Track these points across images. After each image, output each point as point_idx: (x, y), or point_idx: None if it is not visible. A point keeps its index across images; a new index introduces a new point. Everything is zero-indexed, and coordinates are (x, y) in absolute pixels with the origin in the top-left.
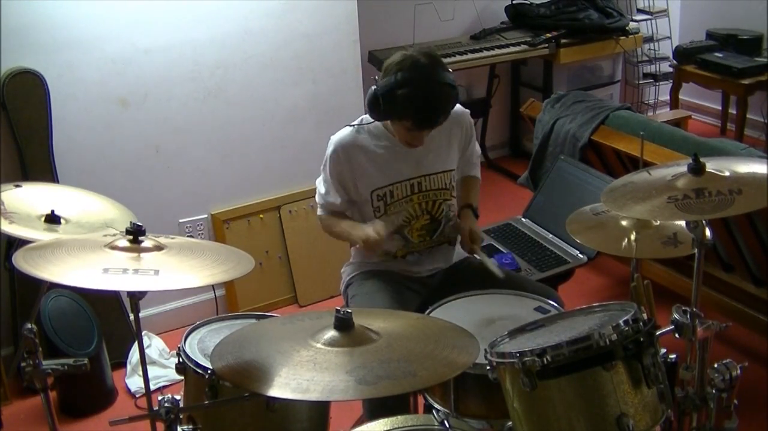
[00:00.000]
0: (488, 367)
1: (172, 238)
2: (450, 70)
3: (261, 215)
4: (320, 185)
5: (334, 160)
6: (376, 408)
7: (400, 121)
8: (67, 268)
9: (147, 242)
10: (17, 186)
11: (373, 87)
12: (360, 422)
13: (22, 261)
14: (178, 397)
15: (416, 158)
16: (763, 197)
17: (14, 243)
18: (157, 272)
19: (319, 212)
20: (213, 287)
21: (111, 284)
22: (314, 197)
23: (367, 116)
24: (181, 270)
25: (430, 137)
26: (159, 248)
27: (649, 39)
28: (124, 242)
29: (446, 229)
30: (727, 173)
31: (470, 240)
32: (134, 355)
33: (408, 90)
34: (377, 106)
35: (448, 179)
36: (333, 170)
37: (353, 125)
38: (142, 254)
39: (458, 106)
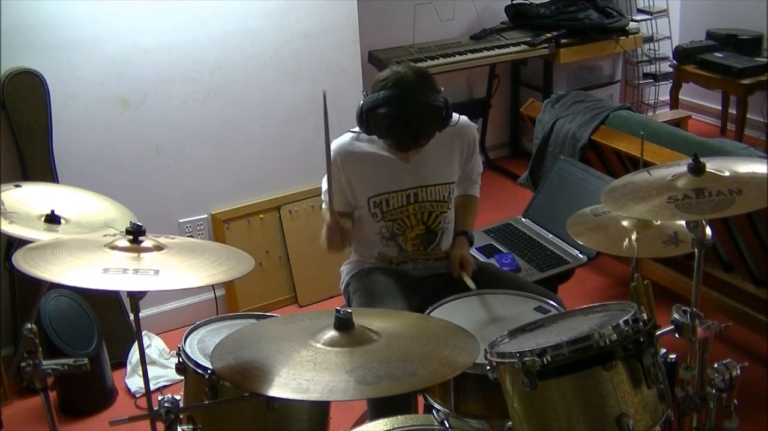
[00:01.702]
0: (488, 367)
1: (172, 238)
2: (441, 89)
3: (261, 215)
4: (324, 182)
5: (332, 165)
6: (379, 408)
7: (382, 139)
8: (67, 268)
9: (147, 242)
10: (17, 186)
11: (360, 102)
12: (360, 422)
13: (22, 261)
14: (178, 397)
15: (415, 168)
16: (763, 197)
17: (14, 243)
18: (157, 272)
19: (323, 205)
20: (213, 287)
21: (111, 284)
22: (314, 196)
23: None
24: (181, 270)
25: (429, 148)
26: (159, 248)
27: (649, 39)
28: (124, 242)
29: (443, 243)
30: (727, 173)
31: (459, 266)
32: (134, 355)
33: (388, 110)
34: (362, 122)
35: (446, 192)
36: (330, 174)
37: (353, 132)
38: (142, 254)
39: (464, 118)
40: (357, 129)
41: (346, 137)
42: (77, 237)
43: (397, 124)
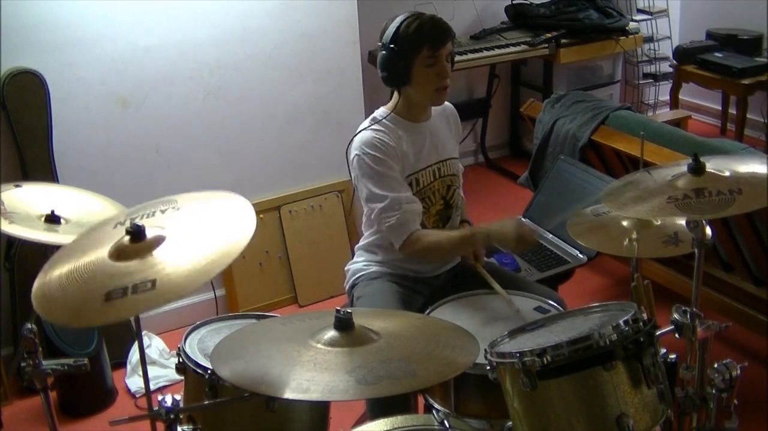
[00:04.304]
0: (488, 367)
1: (173, 207)
2: None
3: (261, 215)
4: (375, 192)
5: (384, 145)
6: (378, 408)
7: (418, 55)
8: (69, 311)
9: (149, 232)
10: (17, 186)
11: (382, 52)
12: (360, 422)
13: (37, 303)
14: (178, 397)
15: (434, 143)
16: (763, 197)
17: (14, 243)
18: (153, 283)
19: (400, 234)
20: (213, 287)
21: (110, 316)
22: (314, 196)
23: (377, 113)
24: (181, 272)
25: (437, 124)
26: (160, 240)
27: (649, 39)
28: (126, 242)
29: (455, 219)
30: (727, 173)
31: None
32: (134, 355)
33: (411, 19)
34: (392, 58)
35: (457, 167)
36: (384, 166)
37: (368, 123)
38: (143, 259)
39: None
40: (369, 120)
41: (366, 133)
42: (86, 241)
43: (430, 21)
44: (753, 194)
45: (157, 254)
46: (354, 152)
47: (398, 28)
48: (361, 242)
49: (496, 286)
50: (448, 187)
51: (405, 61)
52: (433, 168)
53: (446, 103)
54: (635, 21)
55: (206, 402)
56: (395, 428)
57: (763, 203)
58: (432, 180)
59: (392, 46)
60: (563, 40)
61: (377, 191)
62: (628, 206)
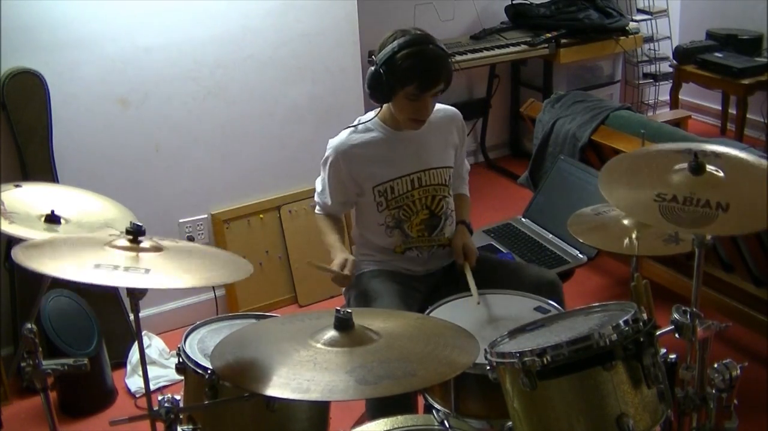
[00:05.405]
0: (488, 367)
1: (176, 242)
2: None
3: (261, 215)
4: (317, 184)
5: (332, 164)
6: (378, 408)
7: (403, 88)
8: (61, 262)
9: (146, 243)
10: (17, 186)
11: (371, 67)
12: (360, 422)
13: (21, 255)
14: (178, 397)
15: (416, 152)
16: (747, 221)
17: (14, 243)
18: (147, 271)
19: (316, 209)
20: (213, 287)
21: (99, 278)
22: (314, 196)
23: (365, 116)
24: (173, 272)
25: (427, 133)
26: (158, 249)
27: (649, 39)
28: (123, 242)
29: (446, 228)
30: (721, 175)
31: (464, 255)
32: (134, 355)
33: (409, 50)
34: (379, 79)
35: (447, 176)
36: (331, 173)
37: (351, 126)
38: (140, 254)
39: (451, 107)
40: (354, 123)
41: (344, 133)
42: (81, 236)
43: (422, 61)
44: (738, 213)
45: (146, 256)
46: (329, 145)
47: (394, 53)
48: (356, 243)
49: (473, 288)
50: (432, 197)
51: (389, 87)
52: (411, 177)
53: (451, 108)
54: (635, 21)
55: (206, 402)
56: (395, 428)
57: (743, 229)
58: (409, 189)
59: (382, 68)
60: (563, 40)
61: (318, 182)
62: (616, 190)
